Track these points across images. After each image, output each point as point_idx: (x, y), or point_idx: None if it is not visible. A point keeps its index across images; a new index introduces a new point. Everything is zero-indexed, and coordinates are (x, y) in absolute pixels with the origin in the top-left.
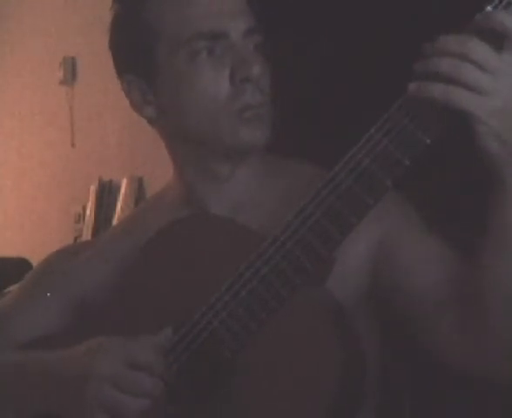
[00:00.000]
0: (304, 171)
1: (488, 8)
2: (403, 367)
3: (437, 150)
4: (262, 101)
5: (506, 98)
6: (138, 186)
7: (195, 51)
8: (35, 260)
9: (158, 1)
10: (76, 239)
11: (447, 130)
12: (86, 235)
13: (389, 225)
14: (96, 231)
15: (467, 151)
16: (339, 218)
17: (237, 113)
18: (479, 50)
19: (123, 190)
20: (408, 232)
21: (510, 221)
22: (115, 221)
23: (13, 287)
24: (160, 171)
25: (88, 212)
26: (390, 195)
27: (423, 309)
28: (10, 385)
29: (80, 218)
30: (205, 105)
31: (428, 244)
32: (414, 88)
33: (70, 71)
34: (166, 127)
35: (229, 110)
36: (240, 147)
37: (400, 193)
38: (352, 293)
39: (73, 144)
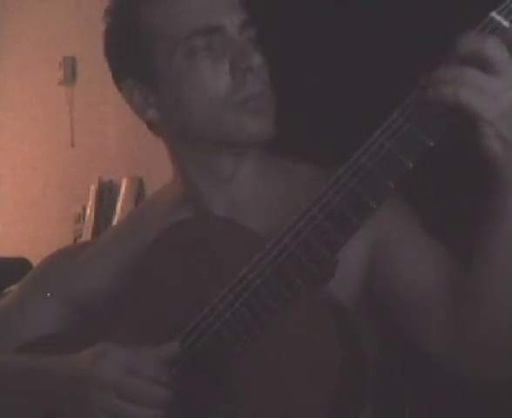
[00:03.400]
0: (304, 171)
1: (493, 13)
2: (403, 367)
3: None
4: (264, 91)
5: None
6: (138, 186)
7: (193, 49)
8: (35, 260)
9: (152, 4)
10: (76, 239)
11: (450, 132)
12: (86, 235)
13: (387, 224)
14: (96, 231)
15: (466, 152)
16: (342, 220)
17: (240, 104)
18: (493, 51)
19: (123, 190)
20: (406, 231)
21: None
22: (115, 221)
23: (13, 287)
24: (160, 172)
25: (88, 212)
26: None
27: (415, 307)
28: (11, 386)
29: (80, 218)
30: (208, 101)
31: (424, 244)
32: (425, 89)
33: (70, 71)
34: (169, 128)
35: (231, 102)
36: (246, 139)
37: (399, 193)
38: (351, 291)
39: (73, 144)
